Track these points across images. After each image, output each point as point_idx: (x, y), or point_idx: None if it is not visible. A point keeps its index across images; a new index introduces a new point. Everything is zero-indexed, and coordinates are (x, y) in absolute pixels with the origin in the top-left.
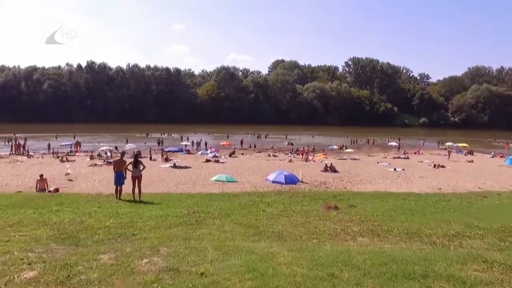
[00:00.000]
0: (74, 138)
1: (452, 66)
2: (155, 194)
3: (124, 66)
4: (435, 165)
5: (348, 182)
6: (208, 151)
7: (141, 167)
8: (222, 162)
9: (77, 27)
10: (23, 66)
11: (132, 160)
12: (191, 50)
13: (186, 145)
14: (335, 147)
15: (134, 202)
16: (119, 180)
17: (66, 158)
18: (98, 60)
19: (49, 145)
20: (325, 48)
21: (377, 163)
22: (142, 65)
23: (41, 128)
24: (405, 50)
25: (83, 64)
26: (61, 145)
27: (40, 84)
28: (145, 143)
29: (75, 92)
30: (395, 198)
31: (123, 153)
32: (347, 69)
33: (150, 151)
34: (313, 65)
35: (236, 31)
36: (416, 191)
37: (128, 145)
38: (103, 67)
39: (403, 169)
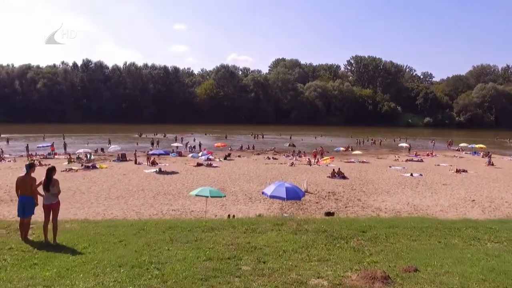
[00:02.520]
0: (64, 139)
1: (454, 65)
2: (94, 222)
3: (121, 65)
4: (456, 169)
5: (361, 191)
6: (200, 154)
7: (55, 189)
8: (215, 166)
9: (76, 27)
10: (17, 64)
11: (44, 179)
12: (192, 50)
13: (177, 147)
14: (341, 148)
15: (46, 243)
16: (24, 208)
17: (39, 162)
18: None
19: (27, 147)
20: (326, 48)
21: (390, 167)
22: (140, 63)
23: (33, 128)
24: (406, 49)
25: (79, 63)
26: (37, 147)
27: (35, 83)
28: (137, 143)
29: (71, 91)
30: (453, 231)
31: (29, 166)
32: (349, 67)
33: (135, 154)
34: (314, 64)
35: (237, 31)
36: (445, 204)
37: (111, 146)
38: (99, 66)
39: (421, 174)
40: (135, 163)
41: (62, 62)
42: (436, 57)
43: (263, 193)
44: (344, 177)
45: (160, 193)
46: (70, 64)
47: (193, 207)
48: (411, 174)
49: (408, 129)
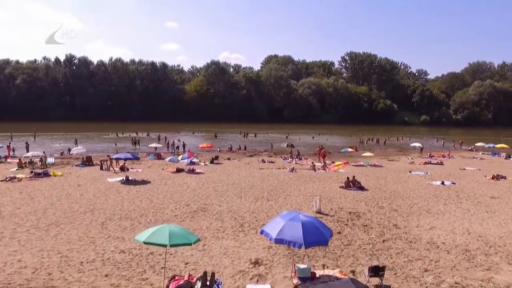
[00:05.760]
0: (34, 139)
1: (449, 62)
2: None
3: (106, 60)
4: (493, 175)
5: (392, 211)
6: (180, 157)
7: None
8: (198, 173)
9: (64, 24)
10: None
11: None
12: (184, 48)
13: (156, 148)
14: (349, 149)
15: None
16: None
17: None
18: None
19: None
20: (319, 45)
21: (410, 172)
22: (126, 59)
23: (6, 127)
24: (400, 46)
25: (62, 58)
26: None
27: (13, 79)
28: (116, 144)
29: (53, 88)
30: None
31: None
32: (343, 64)
33: (101, 161)
34: (307, 61)
35: (229, 29)
36: None
37: (75, 148)
38: (84, 62)
39: (454, 183)
40: (101, 168)
41: (44, 58)
42: (430, 55)
43: (262, 232)
44: (361, 188)
45: (115, 216)
46: (52, 60)
47: (153, 246)
48: (442, 183)
49: (404, 127)
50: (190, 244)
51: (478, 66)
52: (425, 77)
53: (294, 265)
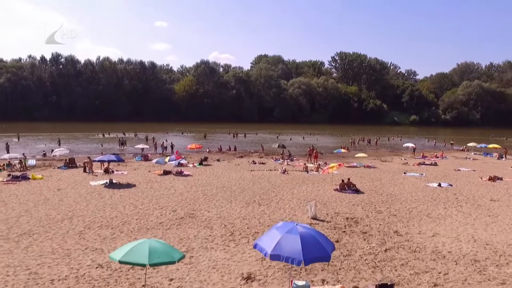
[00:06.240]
0: (18, 139)
1: (437, 63)
2: None
3: (94, 60)
4: (490, 177)
5: (391, 216)
6: (167, 159)
7: None
8: (186, 175)
9: (52, 23)
10: None
11: None
12: (174, 48)
13: (142, 149)
14: (342, 150)
15: None
16: None
17: None
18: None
19: None
20: (309, 45)
21: (404, 173)
22: (114, 58)
23: None
24: (389, 47)
25: (48, 56)
26: None
27: None
28: (102, 145)
29: (38, 87)
30: None
31: None
32: (333, 64)
33: (84, 163)
34: (297, 61)
35: (219, 29)
36: None
37: (57, 149)
38: (70, 60)
39: (450, 185)
40: (84, 171)
41: (29, 56)
42: (418, 55)
43: (256, 247)
44: (357, 191)
45: (95, 224)
46: (38, 58)
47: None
48: (439, 185)
49: (394, 127)
50: (173, 263)
51: (466, 66)
52: (414, 77)
53: (292, 281)
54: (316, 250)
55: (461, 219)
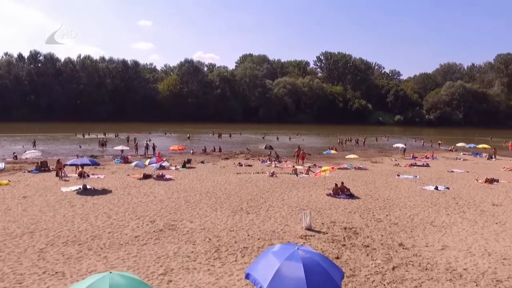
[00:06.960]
0: None
1: (420, 63)
2: None
3: (74, 58)
4: (486, 179)
5: (393, 224)
6: (147, 162)
7: None
8: (168, 179)
9: (35, 24)
10: None
11: None
12: (157, 48)
13: (122, 150)
14: (332, 151)
15: None
16: None
17: None
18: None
19: None
20: (294, 45)
21: (398, 175)
22: (96, 57)
23: None
24: (373, 47)
25: (26, 54)
26: None
27: None
28: (80, 146)
29: (15, 86)
30: None
31: None
32: (318, 64)
33: (57, 165)
34: (282, 60)
35: (203, 29)
36: None
37: (28, 151)
38: (50, 58)
39: (448, 188)
40: (56, 175)
41: (6, 53)
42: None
43: (248, 277)
44: (351, 195)
45: (59, 240)
46: (15, 56)
47: None
48: (436, 188)
49: (379, 127)
50: None
51: (449, 67)
52: (398, 77)
53: None
54: (323, 281)
55: (467, 228)
